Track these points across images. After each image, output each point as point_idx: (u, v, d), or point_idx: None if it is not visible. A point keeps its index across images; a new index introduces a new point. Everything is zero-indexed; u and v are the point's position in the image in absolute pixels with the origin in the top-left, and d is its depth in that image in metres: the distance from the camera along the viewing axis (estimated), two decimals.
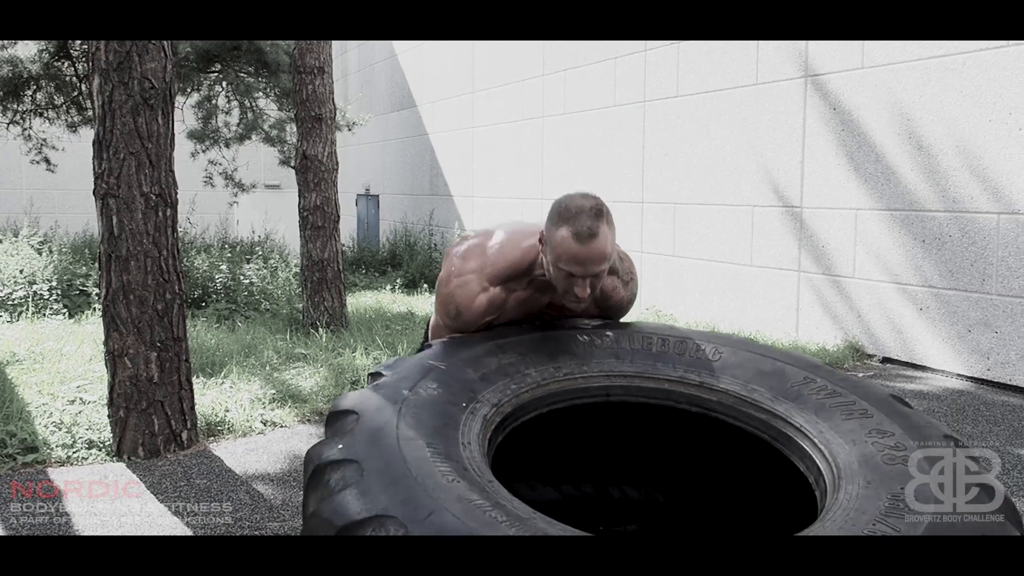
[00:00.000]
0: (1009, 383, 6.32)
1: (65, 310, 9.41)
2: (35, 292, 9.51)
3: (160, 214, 4.59)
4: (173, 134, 4.71)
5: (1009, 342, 6.32)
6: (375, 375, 2.24)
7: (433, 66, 16.04)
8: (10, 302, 9.26)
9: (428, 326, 2.90)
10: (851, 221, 7.46)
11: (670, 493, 2.96)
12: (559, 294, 2.49)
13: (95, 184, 4.57)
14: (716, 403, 2.42)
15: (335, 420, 2.03)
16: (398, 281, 13.09)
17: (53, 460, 4.57)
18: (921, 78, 6.77)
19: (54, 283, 9.73)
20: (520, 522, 1.69)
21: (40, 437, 4.71)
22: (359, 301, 10.78)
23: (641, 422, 2.76)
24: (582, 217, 2.34)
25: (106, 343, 4.69)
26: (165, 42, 4.48)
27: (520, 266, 2.56)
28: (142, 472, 4.43)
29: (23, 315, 8.97)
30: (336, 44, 20.70)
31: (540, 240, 2.49)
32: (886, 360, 7.28)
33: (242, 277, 10.92)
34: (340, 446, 1.87)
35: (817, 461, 2.16)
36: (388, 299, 11.46)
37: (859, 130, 7.33)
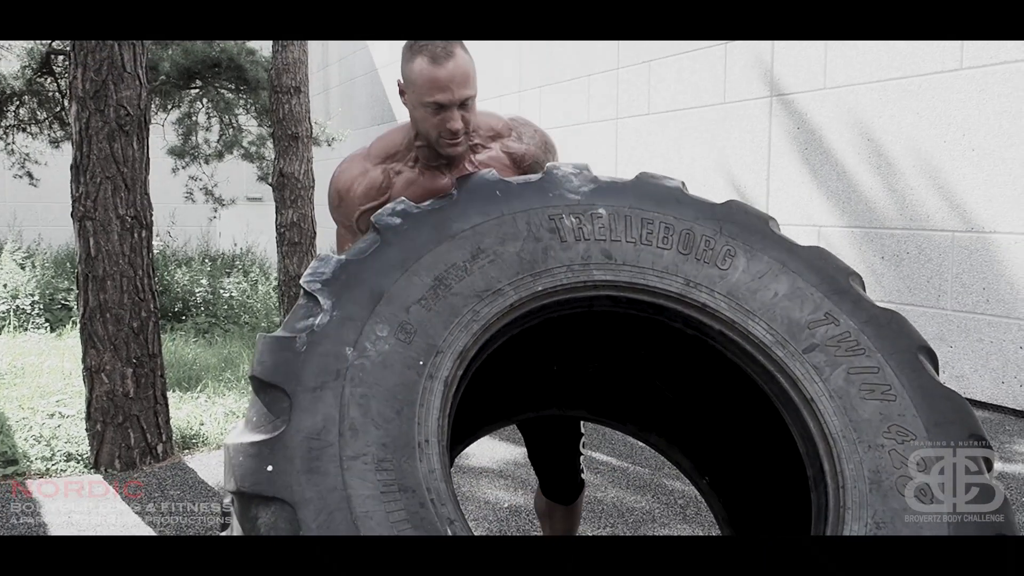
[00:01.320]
0: (963, 396, 6.52)
1: (47, 324, 9.55)
2: (17, 307, 9.64)
3: (135, 235, 4.76)
4: (148, 158, 4.88)
5: (963, 356, 6.53)
6: (310, 298, 1.80)
7: None
8: None
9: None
10: (815, 237, 7.66)
11: (648, 426, 2.68)
12: (434, 141, 2.35)
13: (72, 207, 4.74)
14: (718, 333, 2.05)
15: (261, 394, 1.68)
16: None
17: (33, 472, 4.73)
18: (880, 99, 6.99)
19: (36, 298, 9.87)
20: None
21: (20, 450, 4.87)
22: None
23: (627, 335, 2.46)
24: (432, 44, 2.25)
25: (84, 359, 4.86)
26: (140, 70, 4.66)
27: (397, 140, 2.48)
28: (118, 489, 4.58)
29: (5, 330, 9.10)
30: (317, 59, 20.88)
31: (401, 93, 2.38)
32: None
33: (222, 291, 11.08)
34: (270, 468, 1.54)
35: (822, 457, 1.88)
36: None
37: (822, 148, 7.54)
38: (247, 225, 18.56)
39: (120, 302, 4.75)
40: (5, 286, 10.02)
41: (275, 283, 11.78)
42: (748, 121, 8.31)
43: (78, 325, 8.46)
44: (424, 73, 2.24)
